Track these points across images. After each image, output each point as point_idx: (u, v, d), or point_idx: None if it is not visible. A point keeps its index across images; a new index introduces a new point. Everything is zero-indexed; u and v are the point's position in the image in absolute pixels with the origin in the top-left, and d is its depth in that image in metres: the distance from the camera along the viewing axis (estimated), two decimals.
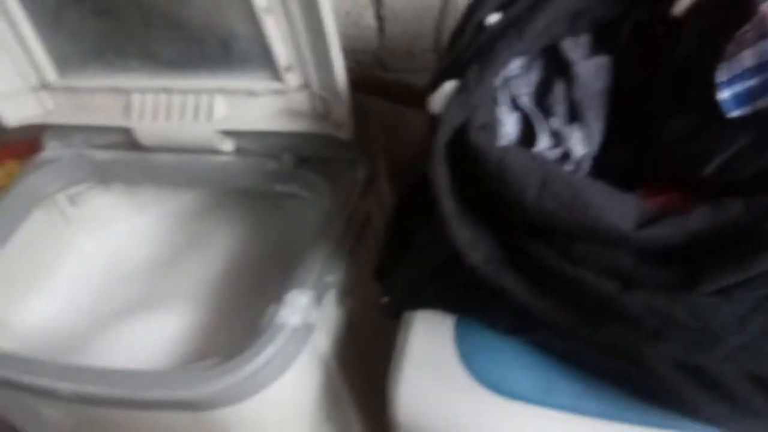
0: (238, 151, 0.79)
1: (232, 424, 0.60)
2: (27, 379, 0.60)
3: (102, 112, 0.81)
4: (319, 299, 0.62)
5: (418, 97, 0.84)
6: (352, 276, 0.67)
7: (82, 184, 0.88)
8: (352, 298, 0.69)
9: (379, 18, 0.92)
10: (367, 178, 0.74)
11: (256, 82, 0.72)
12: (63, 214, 0.90)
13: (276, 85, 0.71)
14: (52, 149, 0.88)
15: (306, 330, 0.60)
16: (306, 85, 0.71)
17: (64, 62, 0.79)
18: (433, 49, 0.94)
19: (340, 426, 0.73)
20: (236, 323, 0.78)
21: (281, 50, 0.68)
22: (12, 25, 0.76)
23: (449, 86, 0.44)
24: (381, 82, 0.83)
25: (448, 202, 0.41)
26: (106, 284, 0.88)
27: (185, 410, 0.58)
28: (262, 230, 0.85)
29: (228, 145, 0.78)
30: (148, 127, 0.78)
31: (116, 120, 0.80)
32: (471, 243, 0.41)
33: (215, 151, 0.79)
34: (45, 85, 0.81)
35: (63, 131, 0.86)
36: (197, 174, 0.81)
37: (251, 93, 0.73)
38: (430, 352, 0.53)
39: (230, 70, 0.73)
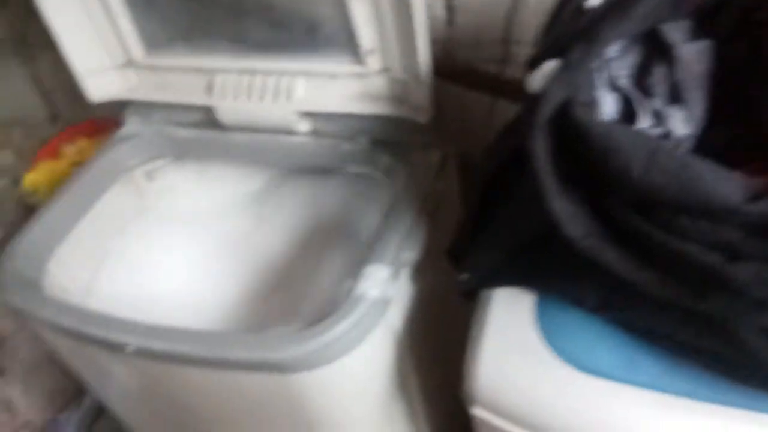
0: (314, 132, 0.82)
1: (307, 389, 0.63)
2: (113, 336, 0.63)
3: (184, 90, 0.84)
4: (395, 275, 0.64)
5: (494, 84, 0.86)
6: (426, 255, 0.69)
7: (160, 159, 0.92)
8: (424, 277, 0.71)
9: (449, 8, 0.93)
10: (440, 161, 0.75)
11: (338, 65, 0.74)
12: (138, 189, 0.94)
13: (357, 68, 0.73)
14: (132, 125, 0.91)
15: (383, 304, 0.62)
16: (386, 69, 0.72)
17: (151, 41, 0.83)
18: (501, 39, 0.95)
19: (404, 405, 0.75)
20: (300, 295, 0.80)
21: (365, 34, 0.70)
22: (104, 3, 0.79)
23: (550, 65, 0.45)
24: (457, 68, 0.85)
25: (548, 176, 0.42)
26: (178, 255, 0.91)
27: (266, 372, 0.60)
28: (330, 209, 0.87)
29: (305, 126, 0.81)
30: (229, 107, 0.81)
31: (198, 98, 0.83)
32: (570, 216, 0.42)
33: (292, 132, 0.81)
34: (131, 63, 0.85)
35: (144, 108, 0.90)
36: (273, 153, 0.83)
37: (332, 76, 0.76)
38: (510, 329, 0.54)
39: (313, 54, 0.75)
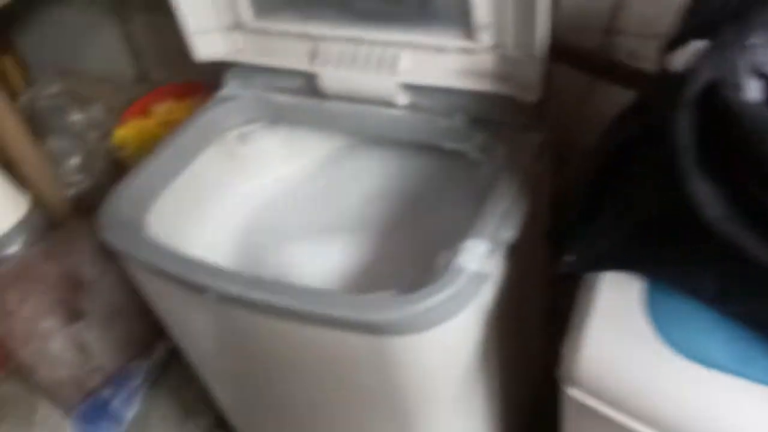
0: (412, 106, 0.82)
1: (395, 354, 0.63)
2: (215, 283, 0.65)
3: (288, 55, 0.86)
4: (493, 252, 0.64)
5: (613, 68, 0.84)
6: (521, 235, 0.69)
7: (255, 123, 0.94)
8: (515, 257, 0.71)
9: None
10: (542, 143, 0.75)
11: (448, 39, 0.74)
12: (231, 151, 0.96)
13: (467, 43, 0.73)
14: (231, 88, 0.93)
15: (481, 279, 0.62)
16: (498, 45, 0.72)
17: (261, 4, 0.84)
18: (604, 29, 0.93)
19: (483, 381, 0.75)
20: (389, 264, 0.81)
21: (481, 8, 0.69)
22: None
23: (696, 45, 0.44)
24: (570, 50, 0.84)
25: (689, 157, 0.42)
26: (266, 217, 0.93)
27: (361, 332, 0.61)
28: (420, 183, 0.88)
29: (404, 99, 0.81)
30: (332, 74, 0.82)
31: (301, 64, 0.85)
32: (709, 199, 0.41)
33: (391, 104, 0.81)
34: (239, 25, 0.87)
35: (246, 71, 0.91)
36: (369, 124, 0.84)
37: (440, 49, 0.76)
38: (618, 315, 0.54)
39: (422, 26, 0.76)
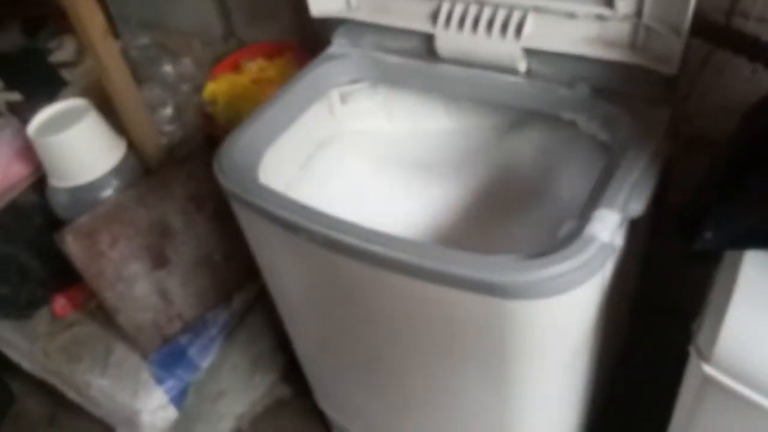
0: (531, 72, 0.80)
1: (514, 319, 0.62)
2: (330, 233, 0.65)
3: (406, 15, 0.84)
4: (622, 224, 0.62)
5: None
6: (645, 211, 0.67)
7: (359, 83, 0.93)
8: (636, 231, 0.69)
9: None
10: (671, 119, 0.72)
11: (581, 4, 0.72)
12: (331, 109, 0.95)
13: (602, 10, 0.71)
14: (339, 46, 0.93)
15: (610, 250, 0.61)
16: (635, 14, 0.70)
17: None
18: (725, 10, 0.89)
19: (588, 353, 0.74)
20: (506, 229, 0.80)
21: None
22: None
23: None
24: (714, 27, 0.80)
25: None
26: (367, 177, 0.92)
27: (482, 293, 0.60)
28: (535, 152, 0.86)
29: (524, 65, 0.79)
30: (451, 37, 0.81)
31: (420, 25, 0.83)
32: None
33: (509, 70, 0.80)
34: None
35: (356, 30, 0.91)
36: (484, 90, 0.83)
37: (570, 15, 0.73)
38: (764, 293, 0.52)
39: None
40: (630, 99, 0.74)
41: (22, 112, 1.33)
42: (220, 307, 1.22)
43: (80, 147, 1.05)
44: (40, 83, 1.41)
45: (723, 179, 0.57)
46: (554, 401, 0.77)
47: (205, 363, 1.20)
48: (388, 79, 0.91)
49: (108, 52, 0.99)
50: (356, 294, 0.73)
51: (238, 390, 1.31)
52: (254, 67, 1.30)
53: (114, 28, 1.61)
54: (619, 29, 0.71)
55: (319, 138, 0.94)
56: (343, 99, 0.95)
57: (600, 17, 0.72)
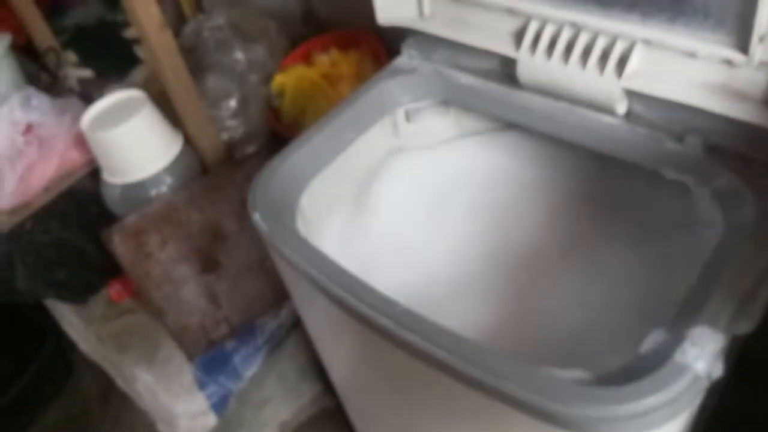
0: (629, 115, 0.65)
1: None
2: (371, 313, 0.55)
3: (485, 32, 0.71)
4: (725, 348, 0.48)
5: None
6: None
7: (427, 100, 0.81)
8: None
9: None
10: None
11: (706, 43, 0.57)
12: (395, 127, 0.84)
13: (733, 54, 0.55)
14: (408, 57, 0.81)
15: (703, 384, 0.47)
16: None
17: None
18: None
19: None
20: (566, 310, 0.67)
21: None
22: None
23: None
24: None
25: None
26: (419, 212, 0.81)
27: (536, 417, 0.49)
28: (621, 214, 0.72)
29: (623, 106, 0.65)
30: (537, 64, 0.67)
31: (501, 46, 0.70)
32: None
33: (605, 110, 0.65)
34: None
35: (427, 42, 0.78)
36: (572, 129, 0.69)
37: (690, 54, 0.58)
38: None
39: (672, 20, 0.58)
40: (755, 169, 0.58)
41: (91, 91, 1.30)
42: (269, 315, 1.16)
43: (133, 144, 0.99)
44: (113, 60, 1.38)
45: None
46: None
47: (249, 372, 1.14)
48: (459, 101, 0.79)
49: (164, 46, 0.92)
50: (395, 376, 0.63)
51: (284, 398, 1.26)
52: (325, 60, 1.20)
53: (200, 2, 1.56)
54: (750, 80, 0.56)
55: (379, 163, 0.83)
56: (409, 117, 0.84)
57: (728, 62, 0.56)
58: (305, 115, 1.16)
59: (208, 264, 1.09)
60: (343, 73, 1.16)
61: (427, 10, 0.76)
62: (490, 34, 0.71)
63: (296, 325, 1.19)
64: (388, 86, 0.79)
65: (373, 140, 0.80)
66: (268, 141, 1.19)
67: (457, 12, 0.73)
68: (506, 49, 0.69)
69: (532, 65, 0.68)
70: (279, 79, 1.20)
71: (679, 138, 0.62)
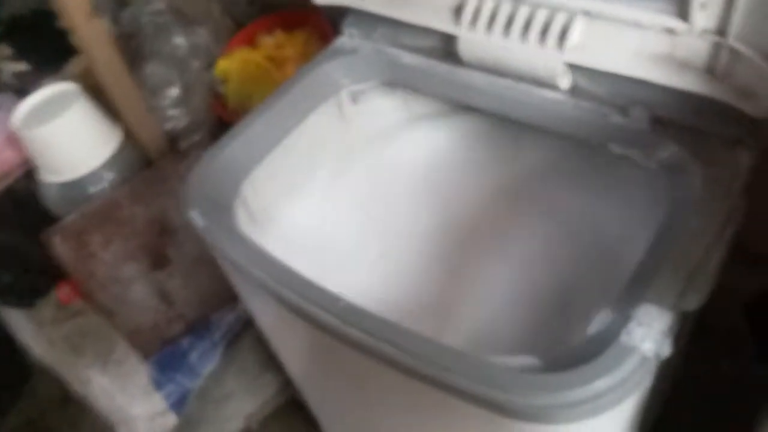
0: (574, 90, 0.64)
1: None
2: (315, 310, 0.53)
3: (423, 8, 0.68)
4: (673, 329, 0.47)
5: None
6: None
7: (372, 81, 0.78)
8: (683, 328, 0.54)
9: None
10: (751, 169, 0.55)
11: (646, 12, 0.55)
12: (341, 110, 0.81)
13: (674, 22, 0.53)
14: (350, 38, 0.78)
15: (652, 365, 0.46)
16: (717, 32, 0.52)
17: None
18: None
19: None
20: (517, 288, 0.66)
21: None
22: None
23: None
24: None
25: None
26: (371, 190, 0.79)
27: (485, 408, 0.47)
28: (569, 195, 0.70)
29: (566, 81, 0.63)
30: (477, 40, 0.65)
31: (440, 23, 0.67)
32: None
33: (548, 85, 0.63)
34: None
35: (368, 20, 0.75)
36: (516, 105, 0.67)
37: (630, 24, 0.56)
38: None
39: None
40: (700, 139, 0.57)
41: (28, 85, 1.24)
42: (225, 309, 1.13)
43: (67, 140, 0.94)
44: (50, 51, 1.31)
45: None
46: None
47: (207, 369, 1.12)
48: (402, 80, 0.76)
49: (94, 36, 0.87)
50: (346, 371, 0.61)
51: (247, 392, 1.23)
52: (270, 42, 1.16)
53: None
54: (693, 49, 0.54)
55: (325, 148, 0.80)
56: (354, 99, 0.81)
57: (670, 31, 0.54)
58: (252, 101, 1.12)
59: (157, 261, 1.05)
60: (288, 55, 1.12)
61: None
62: (429, 10, 0.68)
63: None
64: (329, 68, 0.76)
65: (318, 124, 0.77)
66: (214, 129, 1.14)
67: None
68: (446, 25, 0.67)
69: (473, 41, 0.65)
70: (223, 64, 1.15)
71: (624, 111, 0.61)
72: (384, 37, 0.75)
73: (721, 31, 0.52)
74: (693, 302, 0.48)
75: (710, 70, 0.54)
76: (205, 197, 0.64)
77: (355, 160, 0.82)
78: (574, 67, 0.62)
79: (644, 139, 0.60)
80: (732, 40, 0.51)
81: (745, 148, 0.55)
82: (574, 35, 0.60)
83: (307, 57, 1.13)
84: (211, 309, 1.13)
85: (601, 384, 0.44)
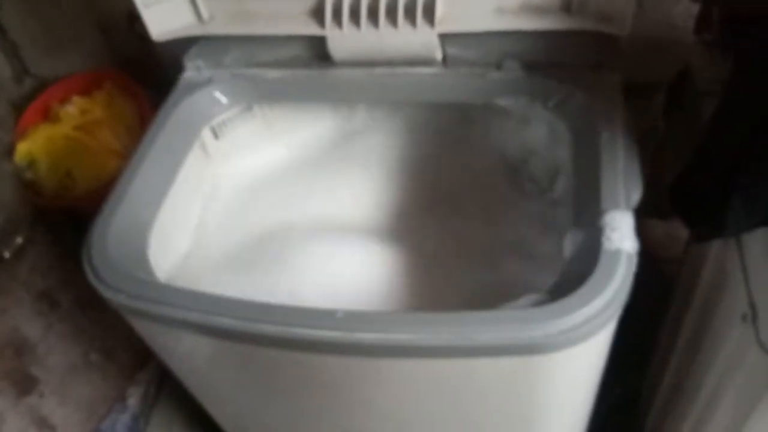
0: (446, 60, 0.67)
1: (551, 371, 0.51)
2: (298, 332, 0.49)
3: (280, 19, 0.67)
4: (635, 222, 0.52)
5: None
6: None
7: (235, 108, 0.75)
8: None
9: None
10: (620, 84, 0.63)
11: None
12: (204, 149, 0.76)
13: None
14: (196, 70, 0.73)
15: (635, 261, 0.51)
16: None
17: None
18: None
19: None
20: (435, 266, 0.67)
21: None
22: None
23: None
24: None
25: None
26: (270, 217, 0.75)
27: (510, 355, 0.48)
28: (478, 149, 0.74)
29: (438, 53, 0.66)
30: (347, 35, 0.65)
31: (300, 27, 0.67)
32: None
33: (424, 62, 0.66)
34: None
35: (216, 47, 0.72)
36: (397, 90, 0.69)
37: None
38: None
39: None
40: (572, 70, 0.64)
41: None
42: (115, 411, 0.99)
43: None
44: None
45: (740, 142, 0.49)
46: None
47: None
48: (268, 98, 0.74)
49: None
50: (326, 390, 0.58)
51: None
52: (72, 111, 1.04)
53: None
54: None
55: (201, 187, 0.75)
56: (216, 133, 0.76)
57: None
58: (73, 177, 1.00)
59: (23, 385, 0.89)
60: (98, 118, 1.02)
61: (205, 13, 0.69)
62: (287, 18, 0.67)
63: (156, 403, 1.04)
64: (184, 108, 0.71)
65: (191, 168, 0.71)
66: (36, 220, 1.00)
67: (239, 5, 0.68)
68: (309, 29, 0.66)
69: (342, 38, 0.66)
70: (24, 147, 1.01)
71: (499, 66, 0.66)
72: (238, 60, 0.72)
73: None
74: (636, 198, 0.54)
75: (566, 8, 0.61)
76: (111, 267, 0.56)
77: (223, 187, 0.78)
78: (443, 38, 0.65)
79: (523, 86, 0.65)
80: None
81: (612, 68, 0.63)
82: (440, 7, 0.63)
83: (119, 116, 1.04)
84: (100, 419, 0.98)
85: (611, 290, 0.47)
